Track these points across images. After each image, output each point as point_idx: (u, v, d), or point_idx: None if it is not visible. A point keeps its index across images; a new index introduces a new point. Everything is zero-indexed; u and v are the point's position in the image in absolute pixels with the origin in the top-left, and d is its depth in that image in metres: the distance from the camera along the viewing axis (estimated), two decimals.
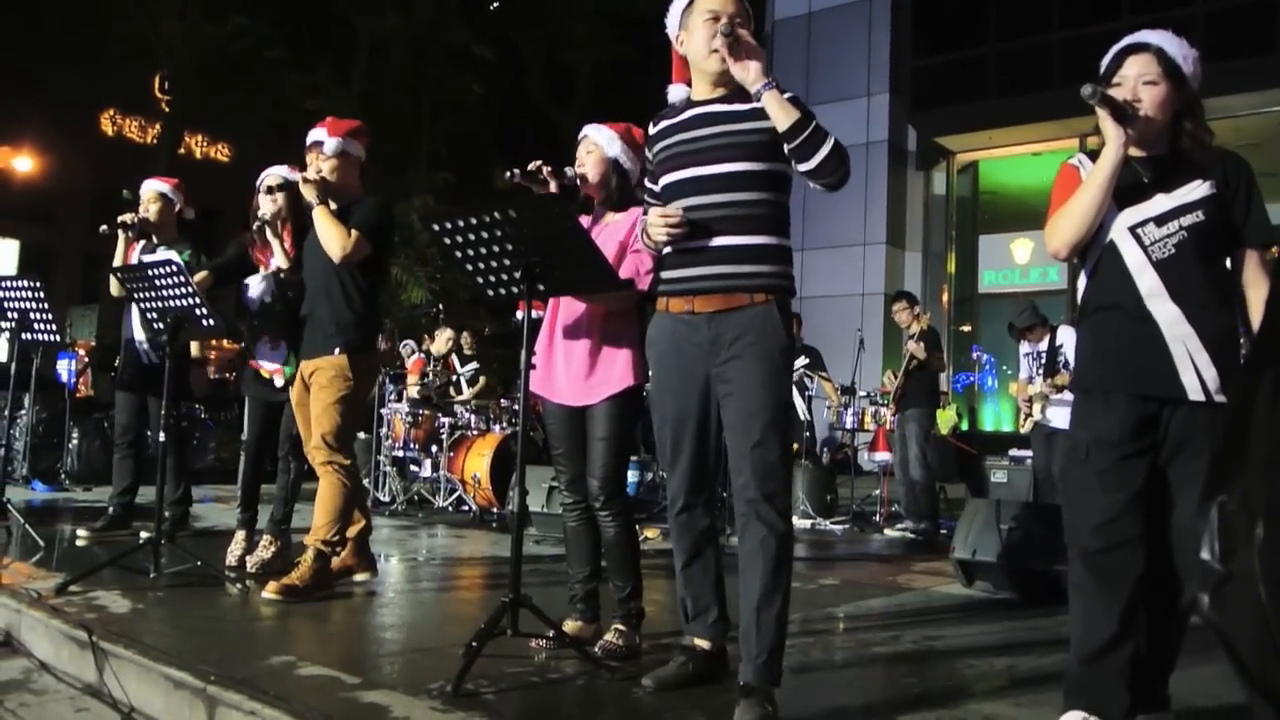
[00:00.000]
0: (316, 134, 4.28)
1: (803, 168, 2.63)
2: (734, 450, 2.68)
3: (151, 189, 5.64)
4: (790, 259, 2.79)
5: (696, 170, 2.75)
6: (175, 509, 5.54)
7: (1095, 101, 2.49)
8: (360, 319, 4.17)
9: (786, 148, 2.62)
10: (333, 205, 4.15)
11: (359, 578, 4.42)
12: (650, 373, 2.96)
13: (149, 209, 5.56)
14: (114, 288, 5.52)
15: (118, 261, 5.45)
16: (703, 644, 2.93)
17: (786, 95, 2.64)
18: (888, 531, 7.62)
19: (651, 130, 2.93)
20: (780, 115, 2.61)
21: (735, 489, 2.69)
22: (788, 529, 2.65)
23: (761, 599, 2.59)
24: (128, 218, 5.45)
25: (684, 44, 2.82)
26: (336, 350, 4.11)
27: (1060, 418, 6.88)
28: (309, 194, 4.10)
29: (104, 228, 5.45)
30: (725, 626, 2.93)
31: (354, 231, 4.05)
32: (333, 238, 4.04)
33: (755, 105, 2.66)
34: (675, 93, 2.92)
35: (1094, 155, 2.61)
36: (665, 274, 2.84)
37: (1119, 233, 2.56)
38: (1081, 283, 2.71)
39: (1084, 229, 2.56)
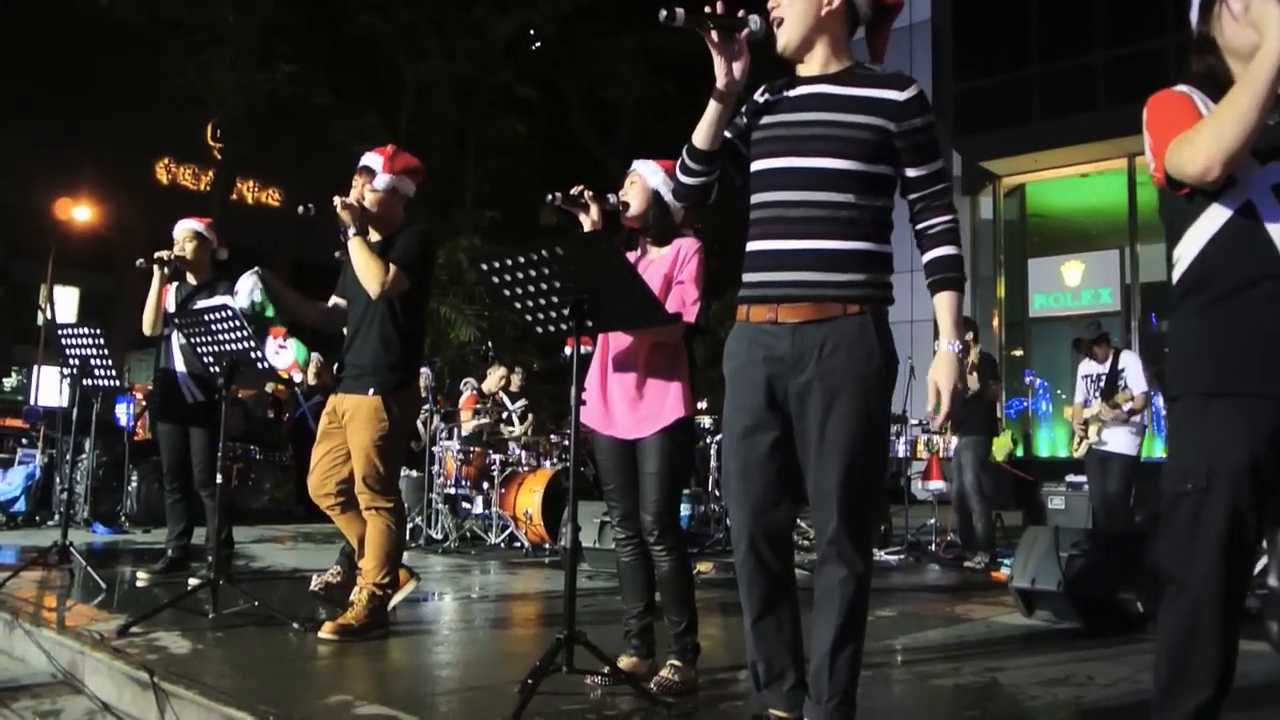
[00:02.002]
0: (371, 161, 4.17)
1: None
2: (815, 483, 2.44)
3: (187, 228, 5.66)
4: (890, 267, 2.52)
5: (793, 160, 2.47)
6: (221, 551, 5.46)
7: None
8: (397, 359, 4.09)
9: None
10: (376, 236, 4.12)
11: (404, 592, 4.37)
12: (726, 390, 2.60)
13: (185, 248, 5.59)
14: (147, 326, 5.62)
15: (152, 298, 5.54)
16: (779, 714, 2.54)
17: (922, 127, 2.46)
18: (943, 560, 7.50)
19: (757, 97, 2.61)
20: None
21: (815, 524, 2.47)
22: (867, 569, 2.44)
23: (835, 642, 2.40)
24: (164, 254, 5.52)
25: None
26: (370, 391, 4.04)
27: (1117, 441, 6.76)
28: (346, 219, 3.99)
29: (140, 261, 5.51)
30: (804, 693, 2.50)
31: (392, 267, 3.98)
32: (370, 272, 3.95)
33: (869, 92, 2.45)
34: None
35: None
36: (747, 277, 2.56)
37: (1257, 190, 2.05)
38: (1181, 260, 2.17)
39: (1247, 133, 1.93)
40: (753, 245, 2.55)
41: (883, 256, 2.50)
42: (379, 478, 4.06)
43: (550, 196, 3.43)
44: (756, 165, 2.54)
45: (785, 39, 2.51)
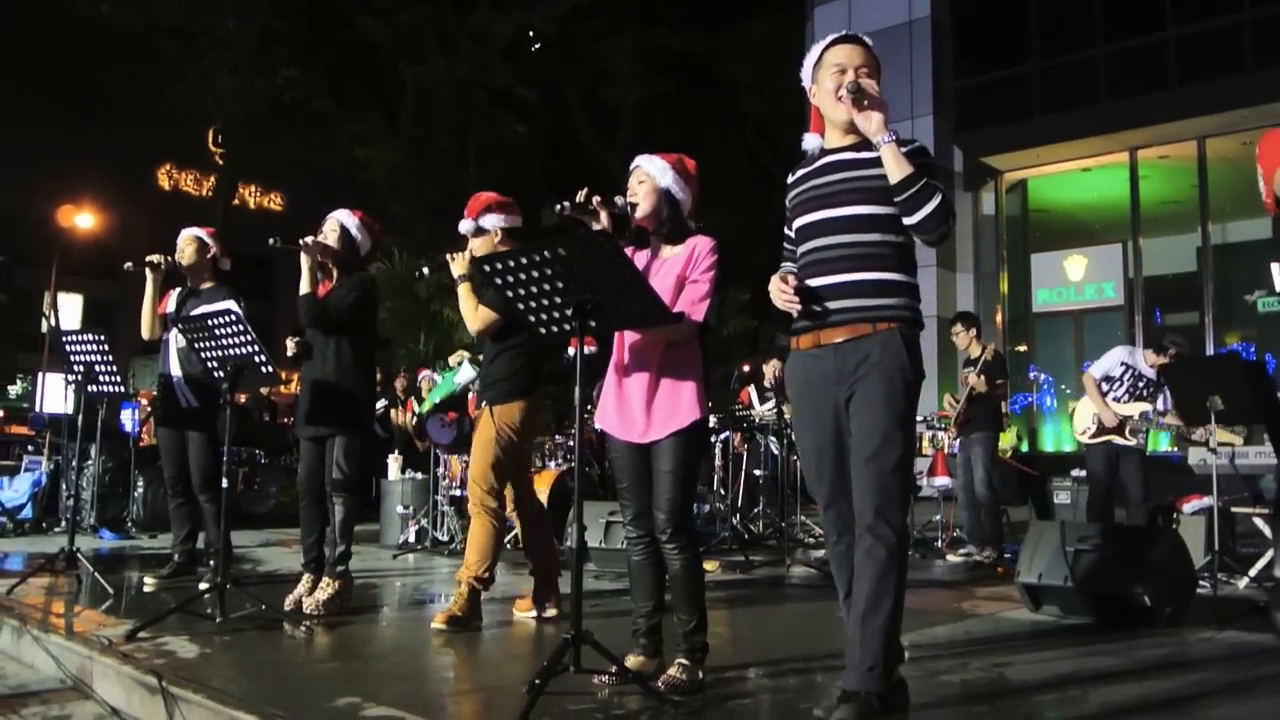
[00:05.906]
0: (462, 223, 4.62)
1: (907, 221, 2.78)
2: (853, 465, 2.82)
3: (188, 234, 5.71)
4: (916, 294, 2.91)
5: (826, 213, 2.92)
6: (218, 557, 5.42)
7: None
8: (522, 369, 4.48)
9: (894, 199, 2.77)
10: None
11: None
12: (792, 408, 3.08)
13: (184, 251, 5.62)
14: (144, 331, 5.63)
15: (148, 303, 5.58)
16: None
17: (906, 149, 2.80)
18: (950, 557, 7.49)
19: (789, 178, 3.09)
20: (894, 168, 2.76)
21: (854, 502, 2.82)
22: (897, 543, 2.75)
23: (867, 608, 2.72)
24: (155, 258, 5.52)
25: (815, 95, 3.00)
26: (508, 398, 4.43)
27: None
28: (455, 272, 4.50)
29: (129, 265, 5.51)
30: (898, 658, 2.89)
31: (483, 310, 4.39)
32: (467, 316, 4.47)
33: (879, 154, 2.81)
34: (809, 141, 3.09)
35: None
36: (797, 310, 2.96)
37: None
38: None
39: None
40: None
41: (909, 285, 2.90)
42: (485, 478, 4.40)
43: (559, 207, 3.41)
44: (798, 222, 3.00)
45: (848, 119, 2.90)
